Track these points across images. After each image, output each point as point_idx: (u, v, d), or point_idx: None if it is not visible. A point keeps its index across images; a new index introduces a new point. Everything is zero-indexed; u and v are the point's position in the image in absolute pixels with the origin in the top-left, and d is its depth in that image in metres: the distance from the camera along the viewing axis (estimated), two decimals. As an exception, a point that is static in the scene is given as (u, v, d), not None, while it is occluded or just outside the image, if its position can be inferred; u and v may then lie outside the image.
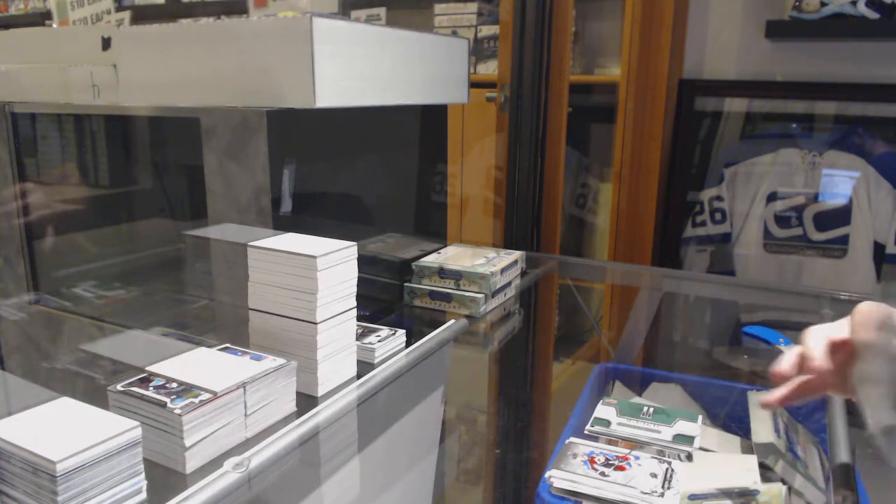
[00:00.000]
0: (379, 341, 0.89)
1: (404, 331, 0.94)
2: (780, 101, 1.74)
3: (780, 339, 1.14)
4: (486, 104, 1.78)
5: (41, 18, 3.09)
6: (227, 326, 0.91)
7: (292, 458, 0.70)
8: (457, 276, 1.10)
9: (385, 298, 1.14)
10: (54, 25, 1.80)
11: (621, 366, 1.20)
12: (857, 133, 1.65)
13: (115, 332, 1.05)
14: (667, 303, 1.51)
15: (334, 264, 0.78)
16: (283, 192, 0.88)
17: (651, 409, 0.93)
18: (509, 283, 1.19)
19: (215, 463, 0.66)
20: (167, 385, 0.68)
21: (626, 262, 1.75)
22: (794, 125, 1.72)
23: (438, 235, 1.28)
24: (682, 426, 0.89)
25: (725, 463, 0.87)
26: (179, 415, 0.63)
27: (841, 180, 1.64)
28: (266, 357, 0.75)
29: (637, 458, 0.84)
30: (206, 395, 0.66)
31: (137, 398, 0.66)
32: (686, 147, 1.80)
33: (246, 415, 0.69)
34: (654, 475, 0.80)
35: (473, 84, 1.26)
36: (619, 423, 0.91)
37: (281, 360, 0.74)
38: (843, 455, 0.78)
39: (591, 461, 0.83)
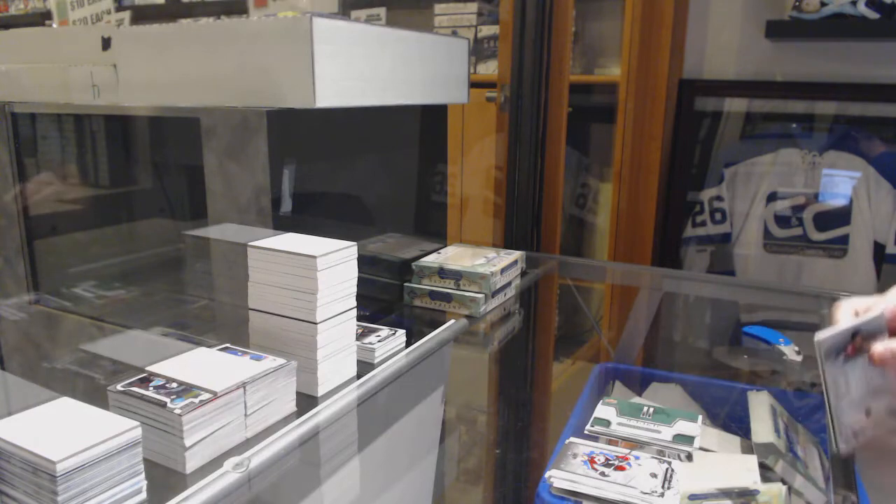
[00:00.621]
0: (379, 341, 0.89)
1: (404, 331, 0.94)
2: (780, 101, 1.74)
3: (780, 339, 1.14)
4: (486, 104, 1.78)
5: (41, 18, 3.10)
6: (227, 326, 0.91)
7: (292, 458, 0.70)
8: (457, 276, 1.10)
9: (385, 298, 1.14)
10: (54, 25, 1.80)
11: (621, 366, 1.20)
12: (857, 133, 1.65)
13: (115, 332, 1.05)
14: (667, 303, 1.51)
15: (334, 264, 0.78)
16: (283, 192, 0.88)
17: (651, 409, 0.93)
18: (509, 283, 1.19)
19: (215, 463, 0.66)
20: (167, 385, 0.68)
21: (626, 262, 1.76)
22: (794, 125, 1.72)
23: (438, 235, 1.28)
24: (682, 426, 0.89)
25: (725, 463, 0.87)
26: (179, 415, 0.63)
27: (841, 180, 1.64)
28: (266, 357, 0.75)
29: (637, 458, 0.84)
30: (206, 395, 0.66)
31: (137, 398, 0.66)
32: (686, 147, 1.80)
33: (246, 415, 0.69)
34: (654, 475, 0.80)
35: (473, 84, 1.26)
36: (619, 423, 0.91)
37: (281, 360, 0.74)
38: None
39: (591, 461, 0.83)
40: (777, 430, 0.91)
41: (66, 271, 1.14)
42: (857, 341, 0.69)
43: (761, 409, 0.96)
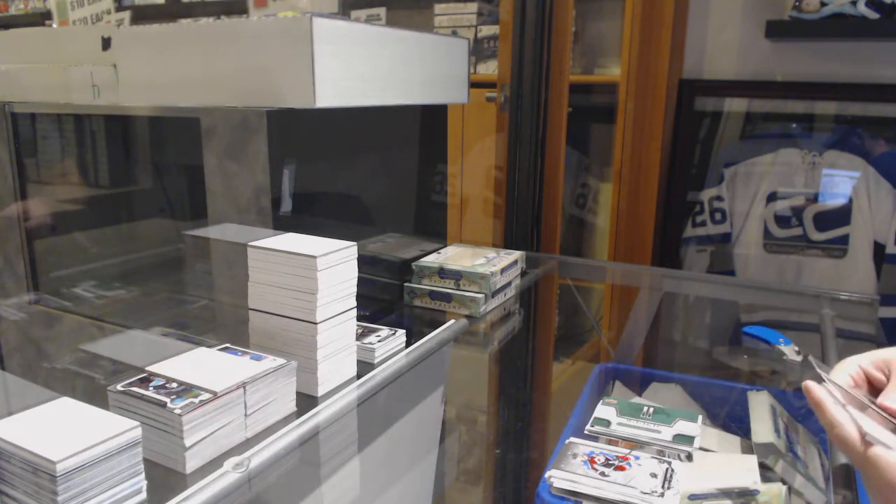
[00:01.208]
0: (379, 341, 0.89)
1: (404, 331, 0.94)
2: (780, 101, 1.74)
3: (780, 339, 1.14)
4: (486, 104, 1.78)
5: (41, 18, 3.10)
6: (227, 326, 0.91)
7: (292, 458, 0.70)
8: (457, 276, 1.10)
9: (385, 298, 1.14)
10: (54, 25, 1.80)
11: (621, 366, 1.20)
12: (857, 133, 1.65)
13: (115, 332, 1.05)
14: (667, 303, 1.51)
15: (334, 264, 0.78)
16: (283, 192, 0.88)
17: (651, 409, 0.93)
18: (509, 283, 1.19)
19: (215, 463, 0.66)
20: (167, 385, 0.68)
21: (626, 262, 1.75)
22: (794, 125, 1.72)
23: (438, 235, 1.28)
24: (682, 426, 0.89)
25: (725, 463, 0.87)
26: (179, 415, 0.63)
27: (841, 180, 1.65)
28: (266, 357, 0.75)
29: (637, 458, 0.84)
30: (206, 395, 0.66)
31: (137, 398, 0.66)
32: (686, 147, 1.80)
33: (246, 415, 0.69)
34: (654, 475, 0.80)
35: (473, 84, 1.26)
36: (619, 423, 0.91)
37: (281, 360, 0.74)
38: (843, 455, 0.78)
39: (591, 461, 0.83)
40: (777, 430, 0.91)
41: (66, 271, 1.14)
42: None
43: (761, 409, 0.96)
